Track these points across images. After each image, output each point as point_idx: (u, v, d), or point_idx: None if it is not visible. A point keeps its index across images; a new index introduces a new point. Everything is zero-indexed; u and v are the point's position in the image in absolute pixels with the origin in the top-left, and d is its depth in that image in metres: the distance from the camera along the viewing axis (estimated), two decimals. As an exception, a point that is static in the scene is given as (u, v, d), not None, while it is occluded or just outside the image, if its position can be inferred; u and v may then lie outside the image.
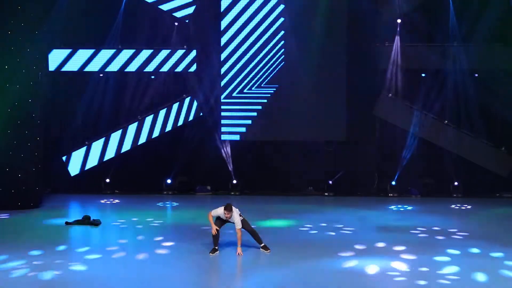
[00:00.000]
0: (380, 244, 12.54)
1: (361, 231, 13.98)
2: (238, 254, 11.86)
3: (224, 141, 19.77)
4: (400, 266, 10.78)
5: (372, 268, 10.66)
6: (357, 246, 12.31)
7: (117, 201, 18.54)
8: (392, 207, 17.69)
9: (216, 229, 12.00)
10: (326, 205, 18.22)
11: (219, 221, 12.16)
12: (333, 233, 13.74)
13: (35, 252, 11.81)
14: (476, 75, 19.18)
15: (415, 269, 10.55)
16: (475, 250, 12.05)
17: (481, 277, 10.19)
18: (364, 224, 14.92)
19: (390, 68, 19.34)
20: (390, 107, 19.50)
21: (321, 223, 14.76)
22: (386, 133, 19.62)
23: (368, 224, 14.94)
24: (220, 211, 12.02)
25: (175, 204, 18.14)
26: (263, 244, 12.23)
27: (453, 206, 17.92)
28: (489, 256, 11.57)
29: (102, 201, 18.43)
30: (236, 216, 11.97)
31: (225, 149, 19.59)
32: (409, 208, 17.54)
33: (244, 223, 12.13)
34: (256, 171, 19.64)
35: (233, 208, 12.04)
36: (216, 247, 12.15)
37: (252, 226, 12.18)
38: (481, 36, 18.82)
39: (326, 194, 19.67)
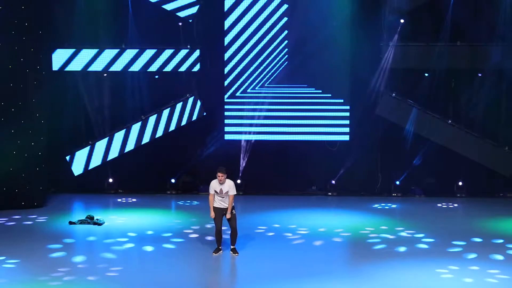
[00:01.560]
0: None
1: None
2: (225, 215, 12.09)
3: (228, 141, 19.77)
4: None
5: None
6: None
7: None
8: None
9: (216, 222, 11.96)
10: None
11: (219, 214, 12.08)
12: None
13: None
14: (480, 74, 19.14)
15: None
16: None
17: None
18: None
19: (393, 67, 19.30)
20: (393, 107, 19.46)
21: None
22: (389, 132, 19.59)
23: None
24: (214, 183, 12.00)
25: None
26: (233, 247, 12.23)
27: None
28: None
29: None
30: (231, 183, 12.02)
31: (228, 149, 19.56)
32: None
33: (232, 218, 12.09)
34: (259, 171, 19.60)
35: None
36: (220, 247, 12.14)
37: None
38: (484, 34, 18.82)
39: (329, 194, 19.66)
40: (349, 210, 17.34)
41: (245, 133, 19.73)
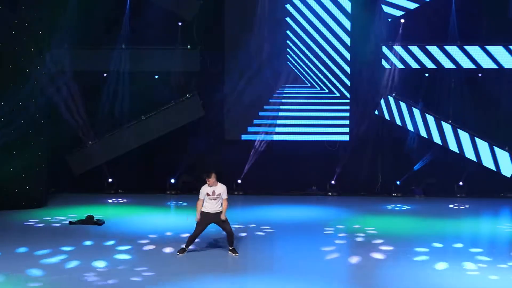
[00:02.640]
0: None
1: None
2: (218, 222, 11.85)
3: (228, 140, 19.76)
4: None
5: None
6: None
7: (124, 200, 18.58)
8: (391, 206, 17.91)
9: (197, 228, 11.84)
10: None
11: (204, 221, 11.91)
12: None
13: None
14: (480, 74, 19.15)
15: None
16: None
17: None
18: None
19: (393, 68, 19.31)
20: (393, 107, 19.46)
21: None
22: (389, 133, 19.60)
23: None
24: (205, 187, 11.81)
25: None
26: (232, 248, 12.10)
27: (451, 205, 18.02)
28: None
29: (110, 201, 18.51)
30: (224, 186, 11.86)
31: (228, 149, 19.54)
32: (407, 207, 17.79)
33: (225, 222, 11.94)
34: (260, 171, 19.60)
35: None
36: (186, 248, 11.98)
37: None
38: (484, 35, 18.84)
39: (329, 194, 19.66)
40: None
41: (244, 133, 19.73)
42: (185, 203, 18.10)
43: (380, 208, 17.58)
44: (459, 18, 18.83)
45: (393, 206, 17.92)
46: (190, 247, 12.06)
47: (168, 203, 18.38)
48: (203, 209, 11.83)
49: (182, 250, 11.98)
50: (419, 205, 18.23)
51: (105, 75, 19.62)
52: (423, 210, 17.44)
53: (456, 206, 18.01)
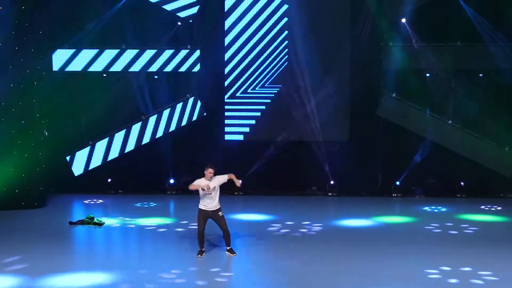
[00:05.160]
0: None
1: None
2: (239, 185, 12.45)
3: (228, 141, 19.76)
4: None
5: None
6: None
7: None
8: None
9: (199, 223, 11.86)
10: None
11: (204, 216, 11.95)
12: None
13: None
14: (481, 75, 19.14)
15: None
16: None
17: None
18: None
19: (394, 68, 19.29)
20: (393, 107, 19.45)
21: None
22: (390, 133, 19.58)
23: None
24: (201, 180, 11.92)
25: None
26: (229, 248, 12.11)
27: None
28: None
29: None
30: (217, 176, 11.98)
31: (228, 149, 19.54)
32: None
33: (221, 219, 11.97)
34: (260, 171, 19.59)
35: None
36: (203, 249, 12.04)
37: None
38: (485, 35, 18.82)
39: (329, 194, 19.65)
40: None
41: (245, 133, 19.73)
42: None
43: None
44: (460, 18, 18.80)
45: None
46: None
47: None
48: (201, 207, 11.96)
49: (201, 252, 12.03)
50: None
51: (104, 75, 19.62)
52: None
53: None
